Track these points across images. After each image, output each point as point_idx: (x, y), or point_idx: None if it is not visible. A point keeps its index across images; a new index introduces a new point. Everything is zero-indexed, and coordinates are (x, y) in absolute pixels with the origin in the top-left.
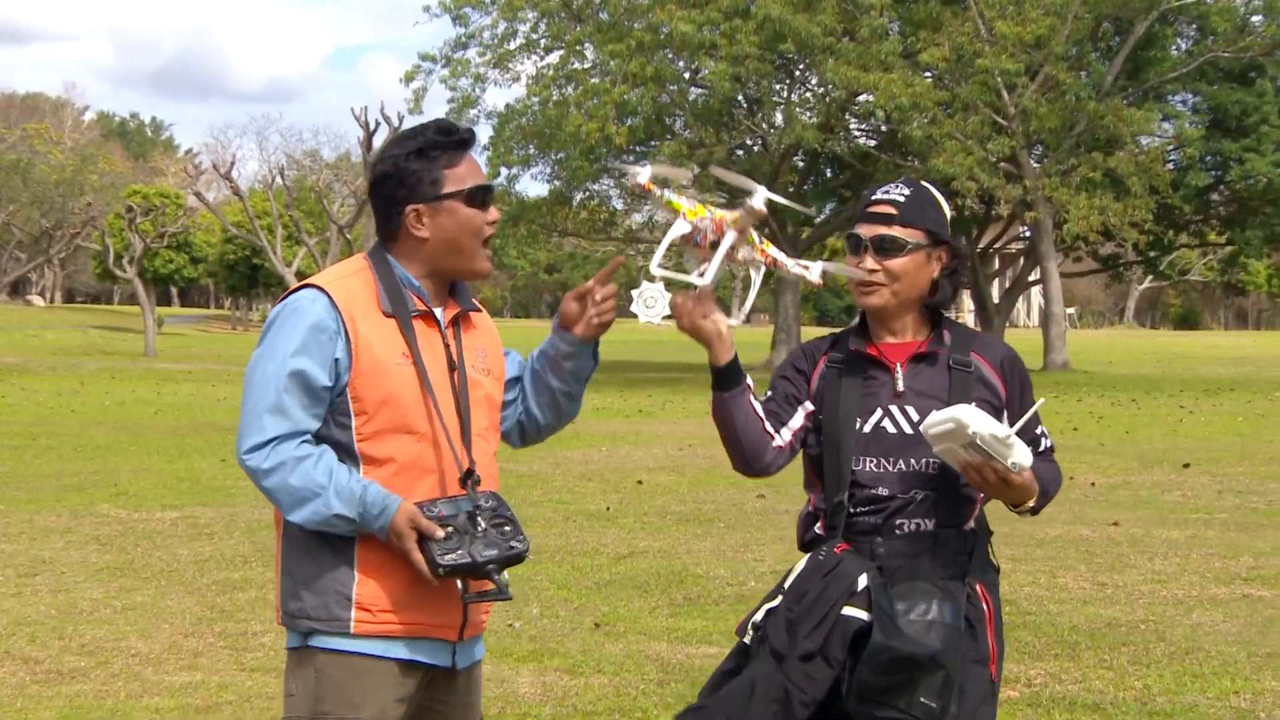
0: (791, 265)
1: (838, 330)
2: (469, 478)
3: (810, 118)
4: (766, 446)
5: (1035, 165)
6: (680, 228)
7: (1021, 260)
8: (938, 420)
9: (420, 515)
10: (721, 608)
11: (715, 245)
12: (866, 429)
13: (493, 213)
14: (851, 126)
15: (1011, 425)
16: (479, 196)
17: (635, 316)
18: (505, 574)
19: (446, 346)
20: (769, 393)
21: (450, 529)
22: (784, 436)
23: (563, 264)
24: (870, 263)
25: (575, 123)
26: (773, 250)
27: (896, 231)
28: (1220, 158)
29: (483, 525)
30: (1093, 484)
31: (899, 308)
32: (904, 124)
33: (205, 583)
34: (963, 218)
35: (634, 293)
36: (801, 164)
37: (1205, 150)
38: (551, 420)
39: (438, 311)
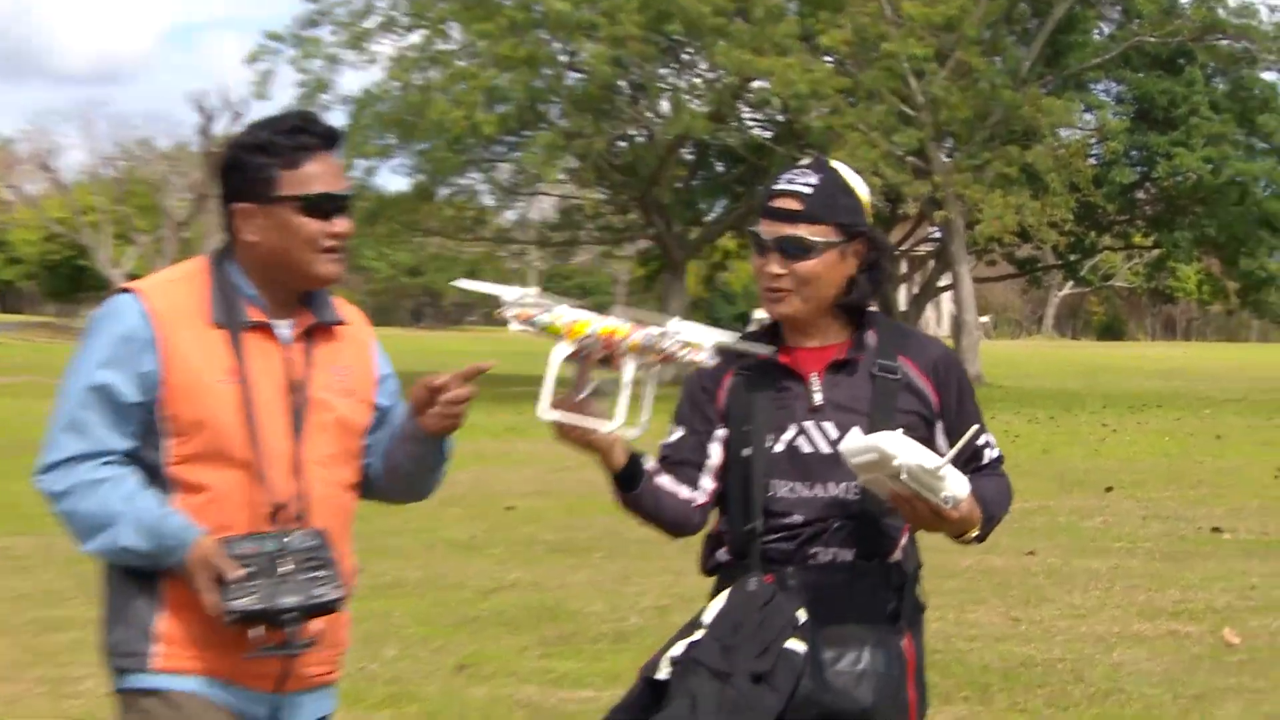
0: (682, 353)
1: (748, 331)
2: (279, 511)
3: (699, 106)
4: (688, 513)
5: (945, 160)
6: (562, 352)
7: (931, 263)
8: (858, 449)
9: (217, 552)
10: (599, 647)
11: (605, 361)
12: (779, 448)
13: (339, 224)
14: (745, 116)
15: (947, 435)
16: (321, 206)
17: (508, 323)
18: (321, 622)
19: (289, 363)
20: (676, 429)
21: (251, 569)
22: (705, 487)
23: (426, 266)
24: (775, 267)
25: (439, 110)
26: (666, 344)
27: (803, 231)
28: (1146, 152)
29: (287, 568)
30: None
31: (812, 313)
32: (802, 113)
33: (21, 622)
34: None
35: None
36: (690, 157)
37: (1130, 144)
38: (395, 492)
39: (280, 325)
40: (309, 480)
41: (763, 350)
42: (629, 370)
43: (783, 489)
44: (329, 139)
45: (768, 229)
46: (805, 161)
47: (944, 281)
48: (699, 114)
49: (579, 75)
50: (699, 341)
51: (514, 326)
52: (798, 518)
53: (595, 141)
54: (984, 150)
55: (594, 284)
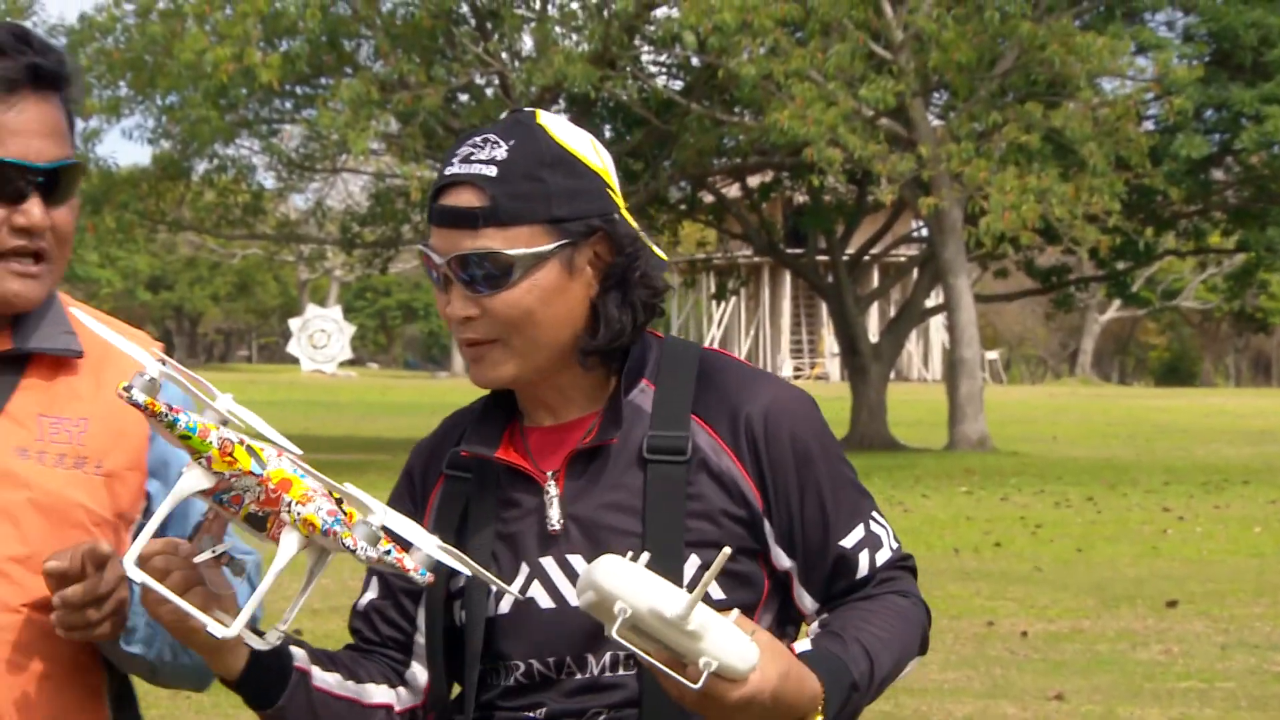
0: (373, 554)
1: (472, 408)
2: None
3: (579, 44)
4: None
5: (936, 123)
6: (194, 482)
7: (915, 275)
8: (581, 586)
9: None
10: None
11: (256, 521)
12: (503, 608)
13: (31, 211)
14: (645, 58)
15: (784, 542)
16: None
17: (298, 362)
18: None
19: None
20: (368, 586)
21: None
22: (415, 681)
23: (176, 276)
24: (459, 305)
25: (196, 46)
26: (353, 536)
27: (491, 241)
28: (1227, 113)
29: None
30: (1024, 633)
31: (539, 371)
32: (726, 55)
33: None
34: (821, 208)
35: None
36: (565, 116)
37: (1204, 101)
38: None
39: None
40: None
41: (494, 581)
42: (289, 545)
43: (516, 672)
44: (44, 74)
45: (440, 242)
46: (493, 125)
47: (933, 301)
48: (578, 56)
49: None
50: (406, 542)
51: (137, 398)
52: (535, 713)
53: (425, 95)
54: (991, 109)
55: (424, 304)
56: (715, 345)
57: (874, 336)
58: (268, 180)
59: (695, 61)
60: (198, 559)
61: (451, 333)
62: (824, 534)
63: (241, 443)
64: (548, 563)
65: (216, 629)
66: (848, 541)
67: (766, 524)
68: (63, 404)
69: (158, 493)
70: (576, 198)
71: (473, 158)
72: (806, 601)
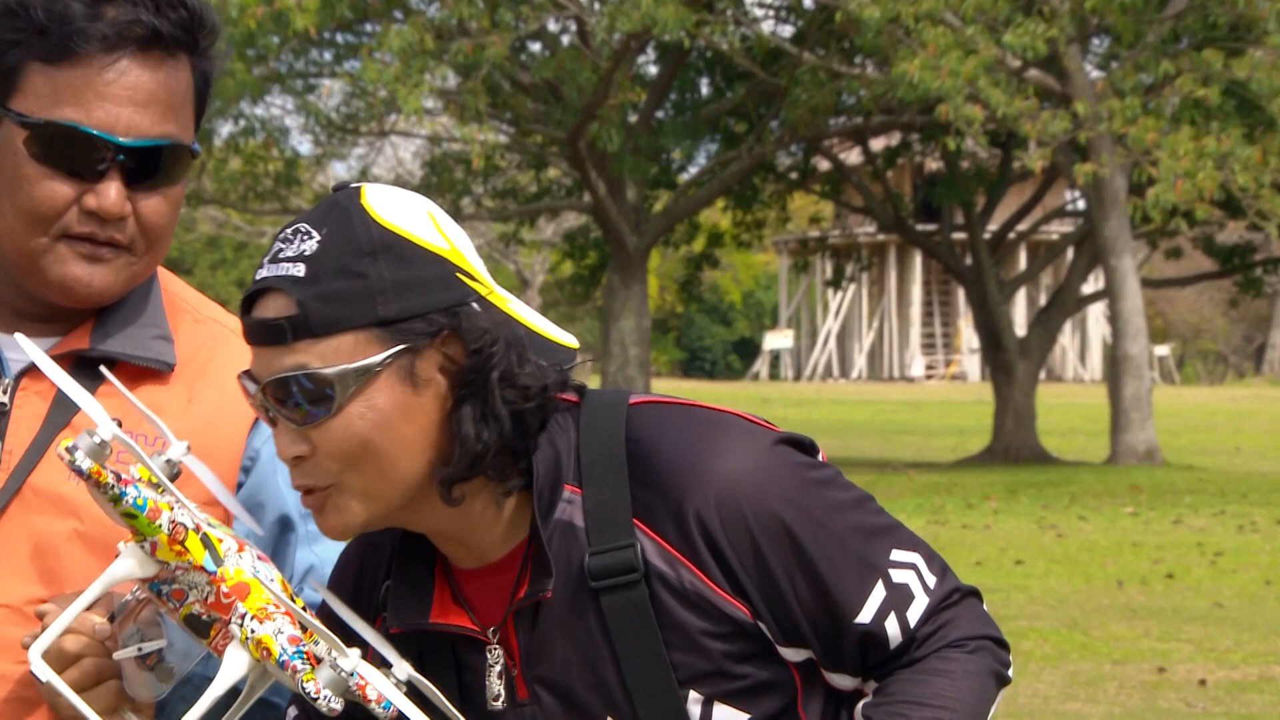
0: (332, 703)
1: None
2: None
3: None
4: None
5: (1095, 75)
6: (132, 564)
7: (1069, 256)
8: None
9: None
10: None
11: (198, 625)
12: None
13: (106, 193)
14: (748, 0)
15: (799, 635)
16: (70, 151)
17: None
18: None
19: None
20: None
21: None
22: None
23: (195, 259)
24: (285, 444)
25: None
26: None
27: (303, 358)
28: None
29: None
30: (1201, 681)
31: (399, 510)
32: None
33: None
34: (958, 176)
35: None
36: (653, 71)
37: None
38: None
39: (2, 340)
40: None
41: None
42: (234, 666)
43: None
44: (157, 33)
45: (256, 365)
46: (309, 212)
47: (1091, 287)
48: None
49: None
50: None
51: (81, 464)
52: None
53: (489, 44)
54: (1162, 58)
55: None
56: (831, 336)
57: (1021, 329)
58: (303, 145)
59: (808, 3)
60: (119, 654)
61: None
62: (835, 618)
63: (197, 529)
64: None
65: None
66: (865, 615)
67: (763, 628)
68: (141, 419)
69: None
70: (409, 291)
71: (281, 255)
72: (840, 680)
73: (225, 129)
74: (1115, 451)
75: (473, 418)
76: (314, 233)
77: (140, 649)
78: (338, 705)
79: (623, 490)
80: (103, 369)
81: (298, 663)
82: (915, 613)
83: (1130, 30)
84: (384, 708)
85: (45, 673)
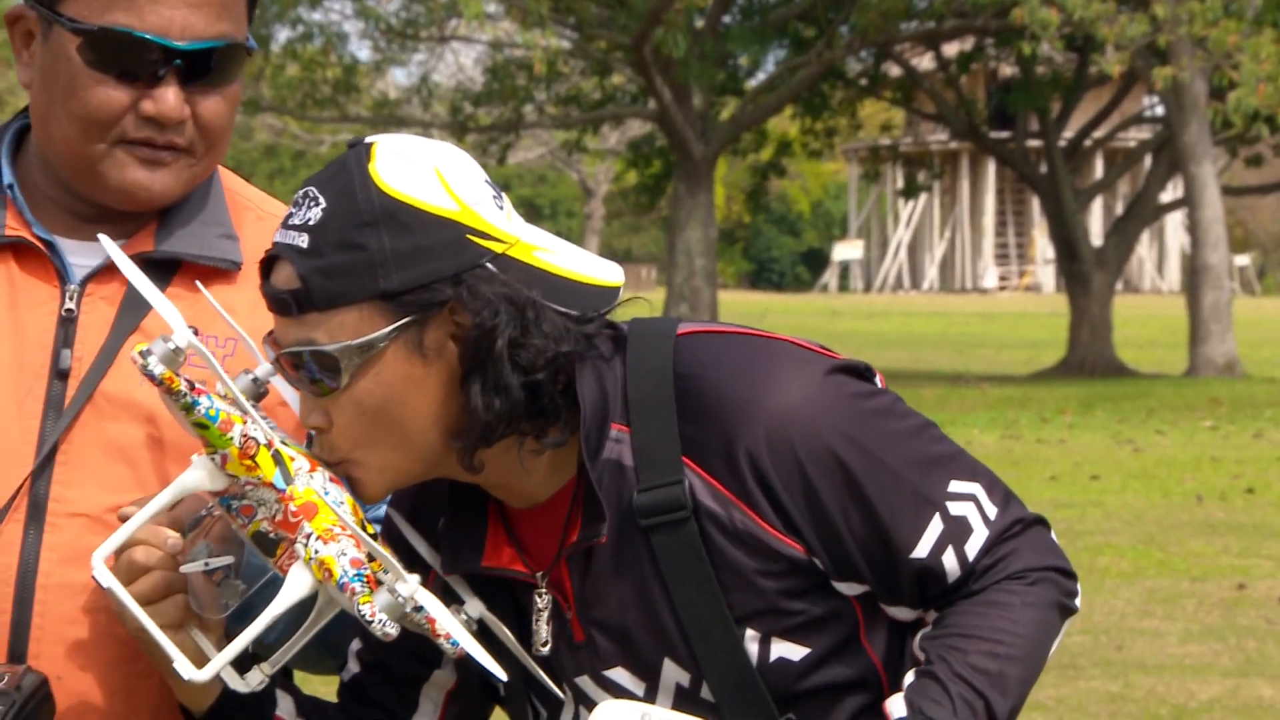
0: (387, 627)
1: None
2: None
3: None
4: None
5: None
6: (202, 476)
7: (1148, 163)
8: None
9: None
10: None
11: (266, 542)
12: None
13: (164, 98)
14: None
15: (854, 570)
16: (122, 55)
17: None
18: None
19: (65, 322)
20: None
21: None
22: (428, 709)
23: (253, 167)
24: (308, 413)
25: None
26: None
27: (310, 332)
28: None
29: None
30: None
31: (424, 474)
32: None
33: None
34: (1033, 81)
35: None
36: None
37: None
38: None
39: (69, 248)
40: (63, 547)
41: (496, 672)
42: (297, 585)
43: None
44: None
45: (276, 331)
46: (321, 170)
47: (1169, 195)
48: None
49: None
50: (435, 616)
51: (154, 369)
52: None
53: None
54: None
55: (549, 201)
56: (902, 247)
57: (1097, 239)
58: (362, 51)
59: None
60: (185, 567)
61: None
62: (890, 553)
63: (269, 446)
64: (585, 683)
65: (185, 668)
66: (921, 549)
67: (817, 563)
68: (211, 319)
69: None
70: (413, 261)
71: (290, 221)
72: (899, 612)
73: (283, 34)
74: (1194, 364)
75: (481, 389)
76: (320, 199)
77: (207, 563)
78: (392, 630)
79: (671, 427)
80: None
81: (357, 585)
82: (974, 546)
83: None
84: (452, 644)
85: (107, 578)
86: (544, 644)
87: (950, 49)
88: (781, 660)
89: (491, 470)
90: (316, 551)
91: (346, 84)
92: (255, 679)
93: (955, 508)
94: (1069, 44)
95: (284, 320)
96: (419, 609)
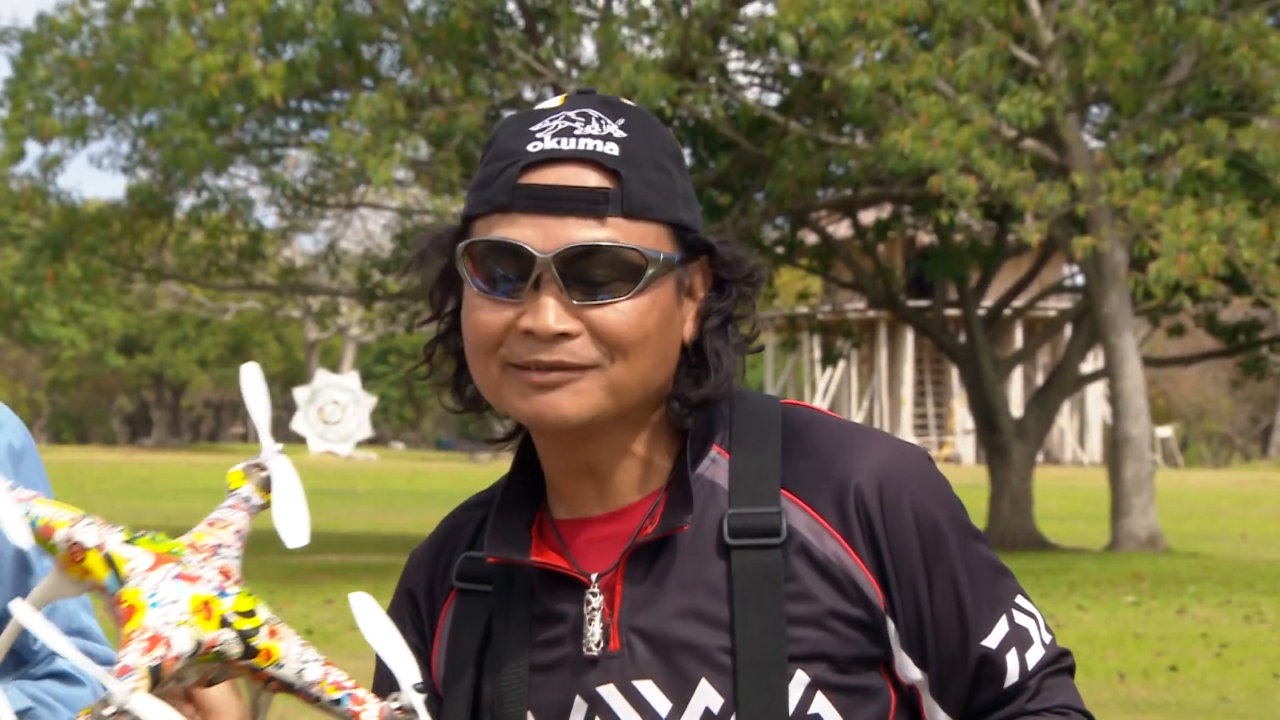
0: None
1: (496, 489)
2: None
3: (651, 49)
4: None
5: (1094, 145)
6: (41, 590)
7: (1068, 333)
8: None
9: None
10: None
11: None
12: None
13: None
14: (733, 66)
15: (911, 645)
16: None
17: (305, 441)
18: None
19: None
20: None
21: None
22: None
23: (155, 336)
24: (554, 316)
25: (180, 53)
26: (290, 670)
27: (613, 233)
28: None
29: None
30: None
31: (624, 416)
32: (833, 62)
33: None
34: (952, 250)
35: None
36: None
37: None
38: None
39: None
40: None
41: None
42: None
43: None
44: None
45: (534, 232)
46: (577, 99)
47: (1090, 365)
48: (650, 63)
49: None
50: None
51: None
52: None
53: (462, 112)
54: (1163, 128)
55: None
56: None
57: (1017, 409)
58: (268, 218)
59: (795, 70)
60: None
61: (488, 361)
62: (963, 634)
63: (101, 547)
64: (608, 693)
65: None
66: (991, 640)
67: (890, 626)
68: None
69: None
70: (693, 205)
71: (576, 132)
72: (940, 718)
73: (187, 201)
74: (1116, 538)
75: (724, 341)
76: (607, 120)
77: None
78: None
79: (774, 459)
80: None
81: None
82: (1034, 658)
83: (1130, 99)
84: None
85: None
86: (596, 643)
87: (867, 217)
88: (816, 719)
89: (614, 452)
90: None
91: (252, 251)
92: None
93: (1020, 618)
94: (987, 212)
95: (571, 220)
96: (336, 702)
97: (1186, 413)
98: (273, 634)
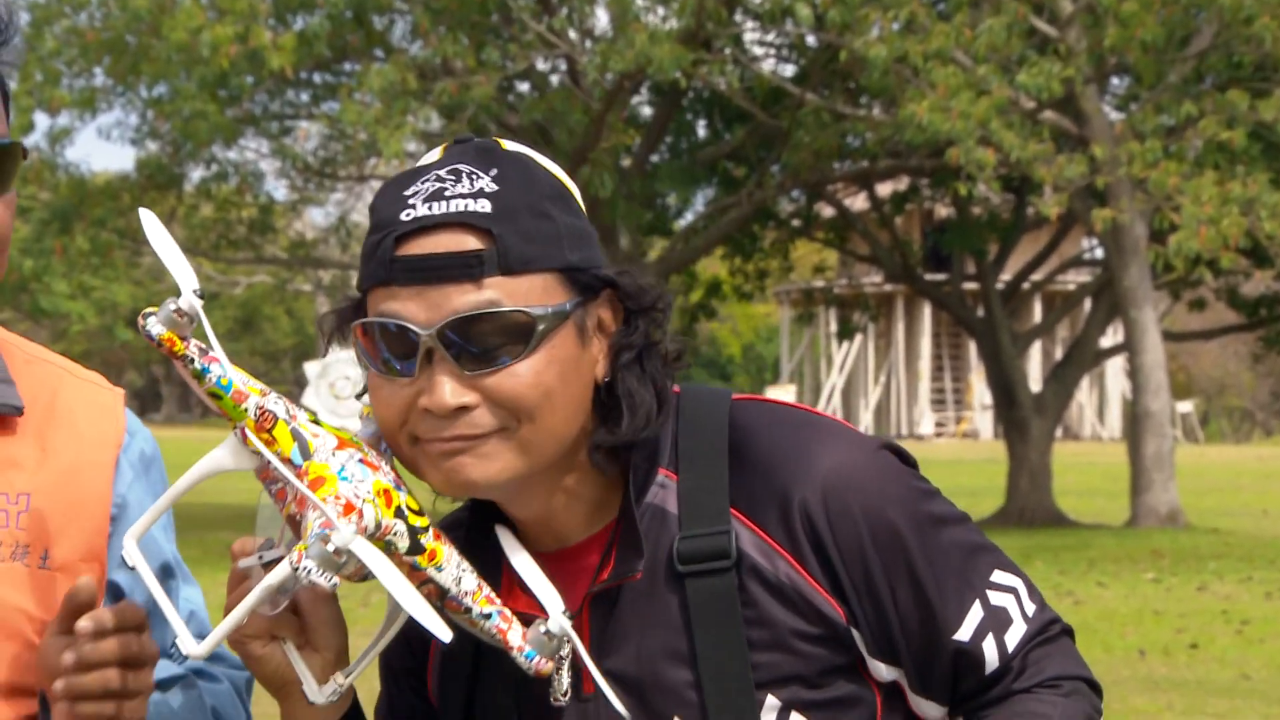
0: (313, 575)
1: (465, 515)
2: None
3: (665, 20)
4: None
5: (1114, 116)
6: (222, 460)
7: (1087, 307)
8: None
9: None
10: None
11: (295, 524)
12: None
13: None
14: (748, 37)
15: (892, 649)
16: None
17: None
18: None
19: None
20: (390, 691)
21: None
22: None
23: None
24: (451, 391)
25: (190, 24)
26: (449, 576)
27: (494, 296)
28: None
29: None
30: None
31: (539, 472)
32: (850, 32)
33: None
34: (969, 223)
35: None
36: (649, 111)
37: None
38: None
39: None
40: None
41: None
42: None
43: None
44: None
45: (413, 307)
46: (442, 160)
47: (1110, 340)
48: (665, 34)
49: None
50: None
51: (152, 330)
52: None
53: (475, 83)
54: (1184, 99)
55: None
56: (836, 392)
57: (1036, 384)
58: (279, 190)
59: (811, 41)
60: (241, 563)
61: (397, 431)
62: (932, 632)
63: (291, 420)
64: None
65: (188, 643)
66: (964, 633)
67: (855, 635)
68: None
69: (127, 587)
70: (585, 242)
71: (446, 193)
72: (927, 708)
73: (197, 174)
74: (1135, 514)
75: (638, 381)
76: (481, 173)
77: (261, 557)
78: (320, 580)
79: (721, 477)
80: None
81: (310, 539)
82: (1013, 638)
83: (1151, 70)
84: (527, 657)
85: (135, 557)
86: (564, 693)
87: (884, 189)
88: None
89: (551, 497)
90: (305, 519)
91: (262, 224)
92: (329, 690)
93: (996, 597)
94: (1006, 185)
95: (449, 288)
96: (487, 615)
97: (1207, 387)
98: (437, 537)
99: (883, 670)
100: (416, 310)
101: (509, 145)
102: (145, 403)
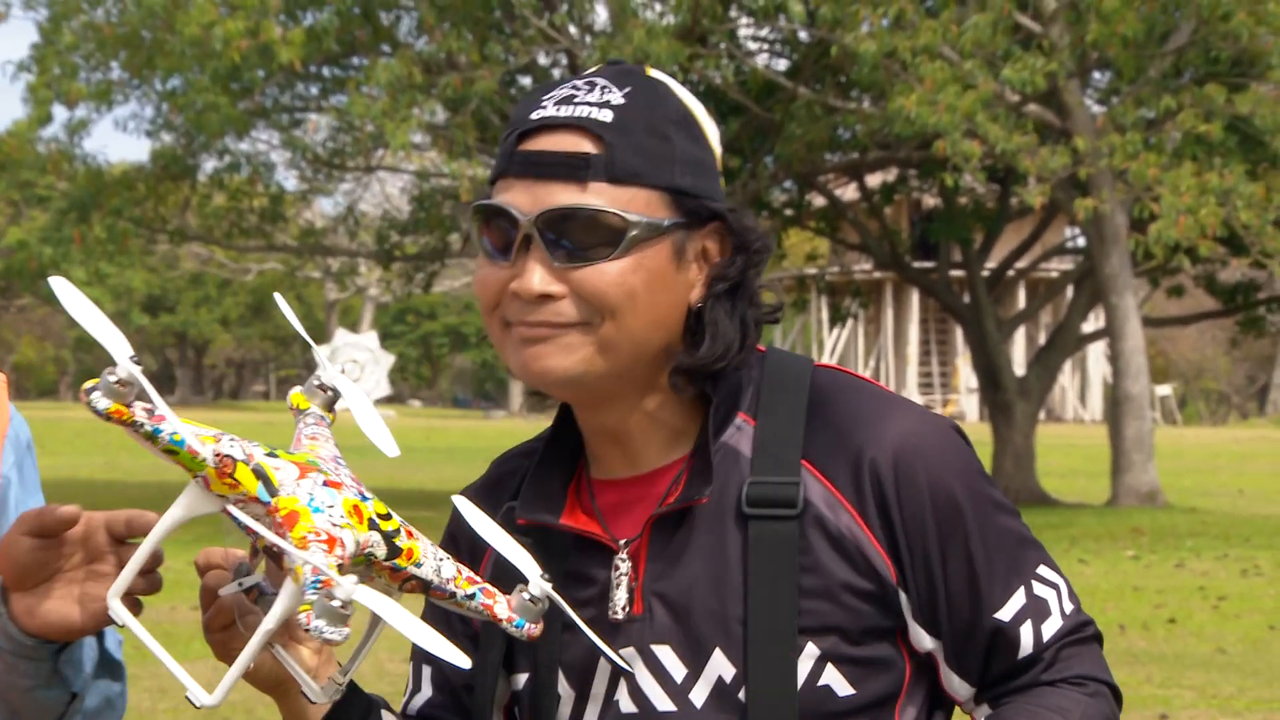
0: (325, 632)
1: (540, 440)
2: None
3: (662, 16)
4: None
5: (1096, 110)
6: (193, 506)
7: (1070, 294)
8: None
9: None
10: None
11: (275, 559)
12: (589, 717)
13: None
14: (742, 33)
15: (925, 620)
16: None
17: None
18: None
19: None
20: (419, 685)
21: None
22: None
23: (179, 296)
24: (536, 278)
25: (203, 19)
26: (429, 569)
27: (598, 198)
28: None
29: None
30: None
31: (616, 375)
32: (841, 28)
33: None
34: (956, 212)
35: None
36: None
37: None
38: None
39: None
40: None
41: (615, 658)
42: (285, 596)
43: None
44: None
45: (522, 196)
46: (594, 70)
47: (1091, 325)
48: (662, 29)
49: None
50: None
51: (98, 405)
52: None
53: (478, 78)
54: (1163, 93)
55: (475, 329)
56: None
57: (1020, 368)
58: (289, 181)
59: (803, 36)
60: (222, 590)
61: (492, 317)
62: (975, 607)
63: (250, 459)
64: (630, 656)
65: (198, 694)
66: (1005, 614)
67: (903, 598)
68: None
69: (11, 474)
70: (700, 171)
71: (576, 99)
72: (957, 684)
73: (210, 164)
74: (1116, 493)
75: (726, 313)
76: (613, 87)
77: (240, 583)
78: (333, 635)
79: (798, 428)
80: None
81: (309, 593)
82: (1049, 630)
83: (1131, 65)
84: (517, 625)
85: (122, 615)
86: (622, 608)
87: (873, 180)
88: (826, 690)
89: (631, 415)
90: (292, 562)
91: (273, 213)
92: (330, 688)
93: (1039, 589)
94: (991, 175)
95: (555, 185)
96: (470, 596)
97: (1185, 371)
98: (409, 534)
99: (925, 639)
100: (523, 200)
101: (653, 72)
102: (160, 386)
